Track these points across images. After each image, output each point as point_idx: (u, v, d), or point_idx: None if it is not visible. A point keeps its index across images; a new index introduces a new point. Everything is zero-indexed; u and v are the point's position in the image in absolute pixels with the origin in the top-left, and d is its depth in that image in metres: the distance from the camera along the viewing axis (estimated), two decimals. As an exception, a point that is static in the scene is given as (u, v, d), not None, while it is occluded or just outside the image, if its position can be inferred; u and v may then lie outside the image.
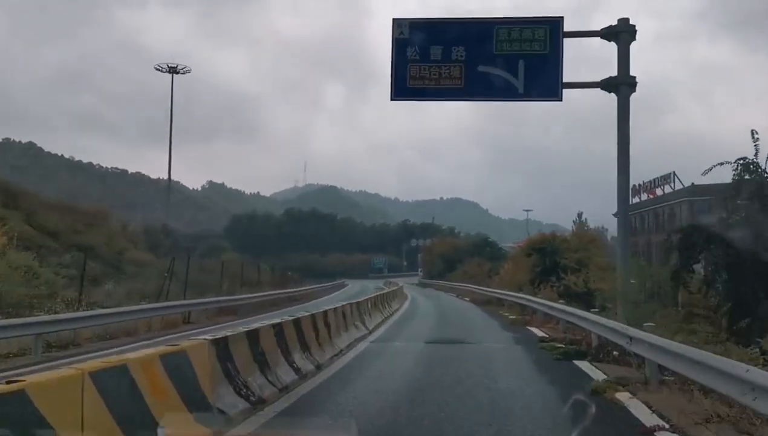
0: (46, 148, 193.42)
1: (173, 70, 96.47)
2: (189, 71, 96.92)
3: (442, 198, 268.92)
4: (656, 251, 58.87)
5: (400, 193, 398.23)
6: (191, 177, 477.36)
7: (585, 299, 30.01)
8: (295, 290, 36.19)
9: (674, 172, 57.17)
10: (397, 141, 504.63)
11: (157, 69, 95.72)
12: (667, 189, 59.36)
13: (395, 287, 37.29)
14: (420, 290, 59.48)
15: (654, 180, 60.95)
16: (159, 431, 4.37)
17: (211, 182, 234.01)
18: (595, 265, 32.00)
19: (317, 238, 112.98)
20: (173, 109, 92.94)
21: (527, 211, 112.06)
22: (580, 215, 41.35)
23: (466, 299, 39.85)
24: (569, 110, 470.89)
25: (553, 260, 31.55)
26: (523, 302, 24.54)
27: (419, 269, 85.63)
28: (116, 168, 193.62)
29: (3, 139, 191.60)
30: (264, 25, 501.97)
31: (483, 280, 44.04)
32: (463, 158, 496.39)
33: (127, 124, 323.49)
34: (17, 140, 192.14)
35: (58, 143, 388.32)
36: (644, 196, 66.24)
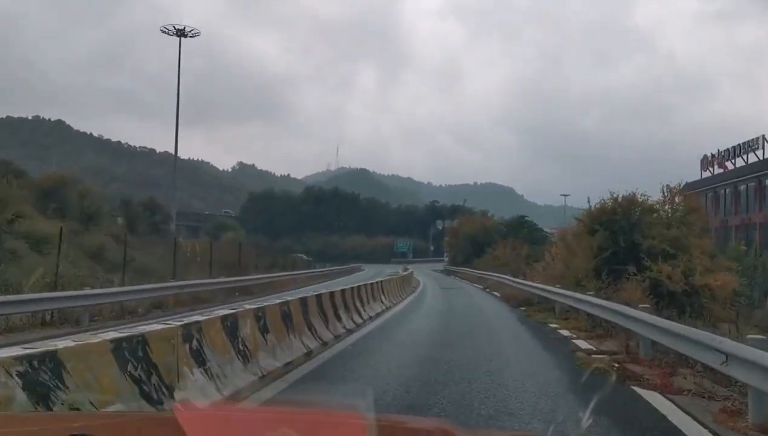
0: (75, 127, 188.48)
1: (180, 33, 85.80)
2: (198, 34, 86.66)
3: (476, 183, 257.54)
4: (737, 234, 46.04)
5: (433, 177, 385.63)
6: (222, 159, 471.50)
7: (685, 302, 18.43)
8: (238, 278, 24.58)
9: (764, 135, 44.01)
10: (431, 125, 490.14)
11: (164, 31, 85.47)
12: (752, 158, 46.21)
13: (394, 277, 25.88)
14: (441, 278, 47.91)
15: (736, 147, 47.81)
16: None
17: (241, 163, 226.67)
18: (697, 247, 20.16)
19: (338, 219, 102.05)
20: (181, 84, 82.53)
21: (564, 196, 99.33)
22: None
23: (496, 293, 28.17)
24: (609, 92, 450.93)
25: (631, 239, 19.96)
26: (599, 314, 12.83)
27: (445, 254, 74.07)
28: (144, 147, 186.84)
29: (32, 117, 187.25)
30: (297, 5, 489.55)
31: (519, 268, 32.27)
32: (498, 143, 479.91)
33: (161, 105, 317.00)
34: (46, 118, 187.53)
35: (89, 122, 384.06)
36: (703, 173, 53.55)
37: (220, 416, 2.20)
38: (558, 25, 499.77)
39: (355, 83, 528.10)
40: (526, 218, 50.64)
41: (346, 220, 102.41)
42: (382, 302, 18.35)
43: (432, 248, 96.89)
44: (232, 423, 1.89)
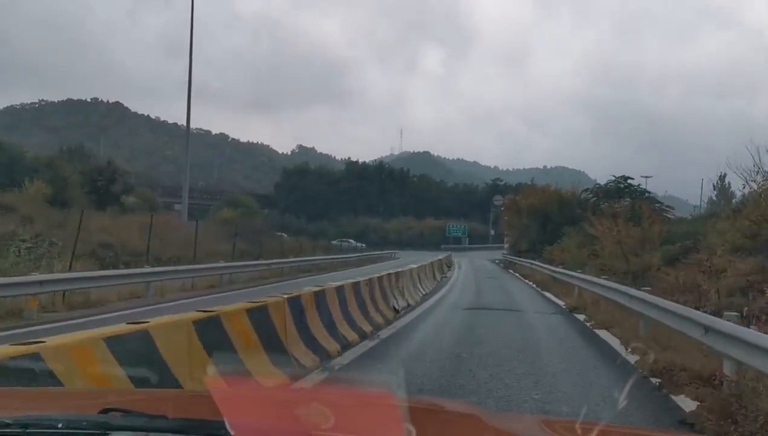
0: (133, 109, 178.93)
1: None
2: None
3: (545, 166, 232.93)
4: None
5: (501, 161, 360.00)
6: (285, 143, 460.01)
7: None
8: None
9: None
10: (499, 107, 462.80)
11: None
12: None
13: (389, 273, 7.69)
14: (490, 278, 29.02)
15: None
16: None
17: (300, 146, 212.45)
18: None
19: (383, 199, 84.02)
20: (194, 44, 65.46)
21: (646, 177, 78.17)
22: (722, 177, 31.19)
23: (614, 341, 9.51)
24: (689, 69, 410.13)
25: None
26: None
27: (505, 240, 54.90)
28: (200, 129, 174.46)
29: (91, 99, 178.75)
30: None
31: (652, 268, 13.21)
32: (569, 125, 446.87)
33: (220, 89, 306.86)
34: (105, 100, 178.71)
35: (148, 105, 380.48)
36: None
37: (253, 393, 2.16)
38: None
39: (421, 66, 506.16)
40: (629, 181, 29.52)
41: (393, 200, 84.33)
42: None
43: (492, 232, 77.62)
44: (265, 401, 1.88)
